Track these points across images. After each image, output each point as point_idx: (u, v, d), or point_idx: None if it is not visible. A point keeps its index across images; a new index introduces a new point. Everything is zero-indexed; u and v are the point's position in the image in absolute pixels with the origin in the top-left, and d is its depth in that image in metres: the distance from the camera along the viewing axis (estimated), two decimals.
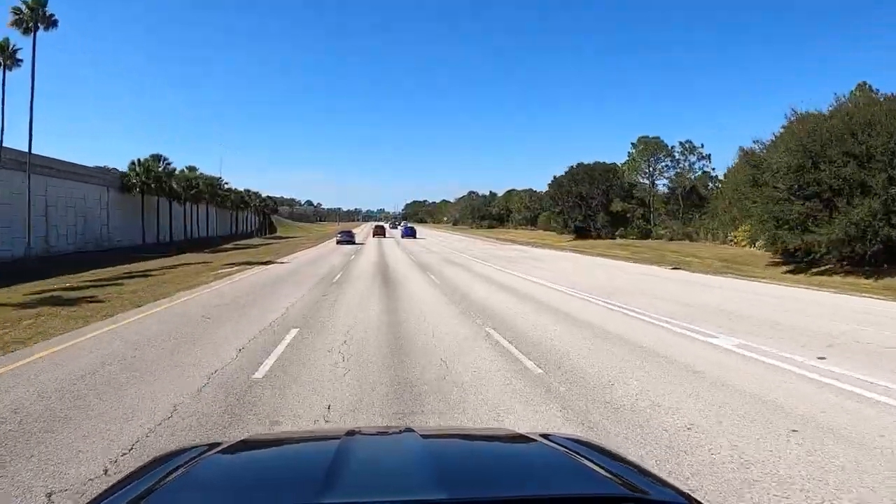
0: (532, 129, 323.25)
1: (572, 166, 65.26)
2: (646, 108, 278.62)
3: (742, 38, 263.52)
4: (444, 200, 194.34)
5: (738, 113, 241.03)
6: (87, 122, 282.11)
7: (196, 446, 1.87)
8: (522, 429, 3.14)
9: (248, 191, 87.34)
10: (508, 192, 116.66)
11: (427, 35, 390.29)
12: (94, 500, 1.43)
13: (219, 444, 1.89)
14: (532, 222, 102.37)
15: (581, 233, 62.21)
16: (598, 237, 60.32)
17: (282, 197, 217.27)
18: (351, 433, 1.84)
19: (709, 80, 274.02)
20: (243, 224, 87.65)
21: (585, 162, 64.36)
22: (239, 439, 2.08)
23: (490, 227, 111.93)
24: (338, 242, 46.58)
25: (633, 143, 62.76)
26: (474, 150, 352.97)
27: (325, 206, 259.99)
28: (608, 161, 64.12)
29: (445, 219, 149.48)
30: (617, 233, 59.05)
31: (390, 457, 1.70)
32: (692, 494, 1.45)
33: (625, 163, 63.37)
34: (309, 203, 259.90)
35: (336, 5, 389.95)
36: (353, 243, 46.15)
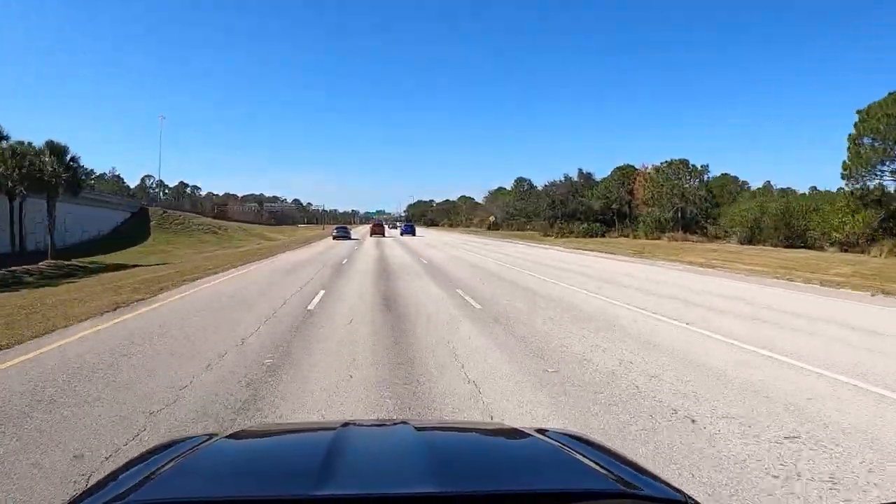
0: (532, 129, 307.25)
1: None
2: (646, 108, 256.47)
3: (742, 38, 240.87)
4: (463, 196, 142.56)
5: (738, 113, 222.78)
6: (87, 121, 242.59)
7: (193, 437, 1.81)
8: None
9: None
10: (620, 169, 64.81)
11: (427, 35, 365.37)
12: (92, 489, 1.37)
13: (215, 434, 1.83)
14: (683, 224, 51.80)
15: None
16: None
17: (262, 194, 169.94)
18: (346, 425, 1.78)
19: (709, 80, 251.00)
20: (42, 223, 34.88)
21: None
22: (236, 430, 2.20)
23: (588, 234, 61.29)
24: (334, 238, 49.40)
25: None
26: (474, 150, 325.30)
27: (317, 205, 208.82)
28: None
29: (492, 218, 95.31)
30: None
31: (385, 449, 1.66)
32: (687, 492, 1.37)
33: None
34: (296, 202, 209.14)
35: (336, 5, 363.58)
36: (349, 238, 50.06)
